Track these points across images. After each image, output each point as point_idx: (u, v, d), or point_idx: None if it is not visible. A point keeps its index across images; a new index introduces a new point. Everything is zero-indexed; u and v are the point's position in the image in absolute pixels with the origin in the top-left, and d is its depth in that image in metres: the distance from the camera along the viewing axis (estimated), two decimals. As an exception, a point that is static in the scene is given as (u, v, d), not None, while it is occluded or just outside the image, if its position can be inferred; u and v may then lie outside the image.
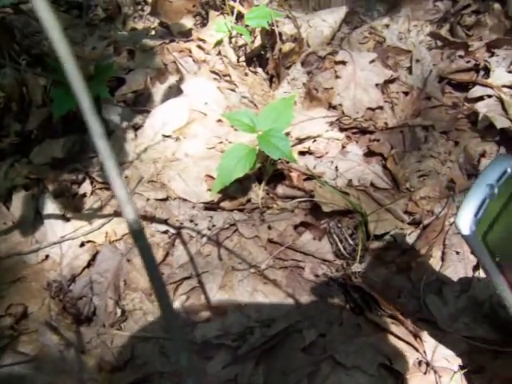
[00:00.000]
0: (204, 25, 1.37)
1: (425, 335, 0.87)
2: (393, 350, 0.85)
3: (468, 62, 1.25)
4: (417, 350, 0.85)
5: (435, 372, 0.83)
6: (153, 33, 1.37)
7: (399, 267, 0.96)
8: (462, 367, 0.83)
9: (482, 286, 0.92)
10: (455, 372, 0.83)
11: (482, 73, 1.24)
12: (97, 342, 0.85)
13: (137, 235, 0.32)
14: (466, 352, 0.85)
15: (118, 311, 0.88)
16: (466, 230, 0.53)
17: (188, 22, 1.37)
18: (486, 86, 1.19)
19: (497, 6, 1.35)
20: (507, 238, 0.57)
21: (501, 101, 1.14)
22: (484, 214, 0.53)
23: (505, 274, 0.55)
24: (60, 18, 1.31)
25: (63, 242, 0.96)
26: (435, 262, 0.95)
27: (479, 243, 0.53)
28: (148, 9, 1.55)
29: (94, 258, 0.95)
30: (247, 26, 1.22)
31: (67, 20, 1.49)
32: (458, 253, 0.96)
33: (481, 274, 0.94)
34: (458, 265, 0.95)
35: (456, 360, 0.85)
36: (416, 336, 0.87)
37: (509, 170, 0.55)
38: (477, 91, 1.19)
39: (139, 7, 1.67)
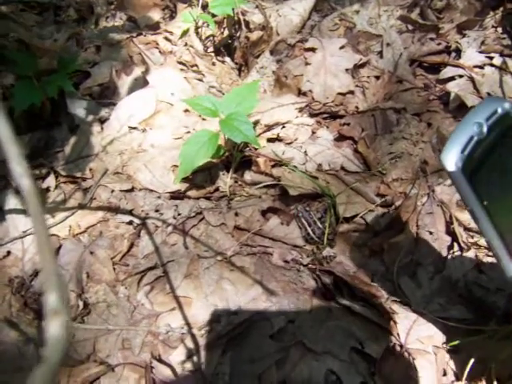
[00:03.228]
0: (173, 18, 1.35)
1: (398, 318, 0.84)
2: (365, 334, 0.82)
3: (439, 44, 1.24)
4: (390, 333, 0.83)
5: (409, 354, 0.81)
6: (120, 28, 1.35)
7: (372, 250, 0.94)
8: (437, 348, 0.81)
9: (456, 265, 0.89)
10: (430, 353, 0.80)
11: (453, 54, 1.22)
12: (58, 337, 0.82)
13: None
14: (441, 333, 0.82)
15: (81, 304, 0.85)
16: (451, 166, 0.48)
17: (156, 15, 1.35)
18: (457, 66, 1.17)
19: (467, -12, 1.34)
20: (496, 181, 0.52)
21: (472, 80, 1.13)
22: (471, 152, 0.49)
23: (493, 217, 0.49)
24: (31, 20, 1.28)
25: (25, 237, 0.93)
26: (409, 244, 0.92)
27: (465, 181, 0.49)
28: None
29: (57, 252, 0.92)
30: (214, 15, 1.21)
31: (37, 20, 1.48)
32: (431, 233, 0.93)
33: (455, 252, 0.91)
34: (431, 245, 0.92)
35: (431, 341, 0.82)
36: (389, 319, 0.84)
37: (499, 110, 0.51)
38: (448, 72, 1.17)
39: (111, 7, 1.65)
